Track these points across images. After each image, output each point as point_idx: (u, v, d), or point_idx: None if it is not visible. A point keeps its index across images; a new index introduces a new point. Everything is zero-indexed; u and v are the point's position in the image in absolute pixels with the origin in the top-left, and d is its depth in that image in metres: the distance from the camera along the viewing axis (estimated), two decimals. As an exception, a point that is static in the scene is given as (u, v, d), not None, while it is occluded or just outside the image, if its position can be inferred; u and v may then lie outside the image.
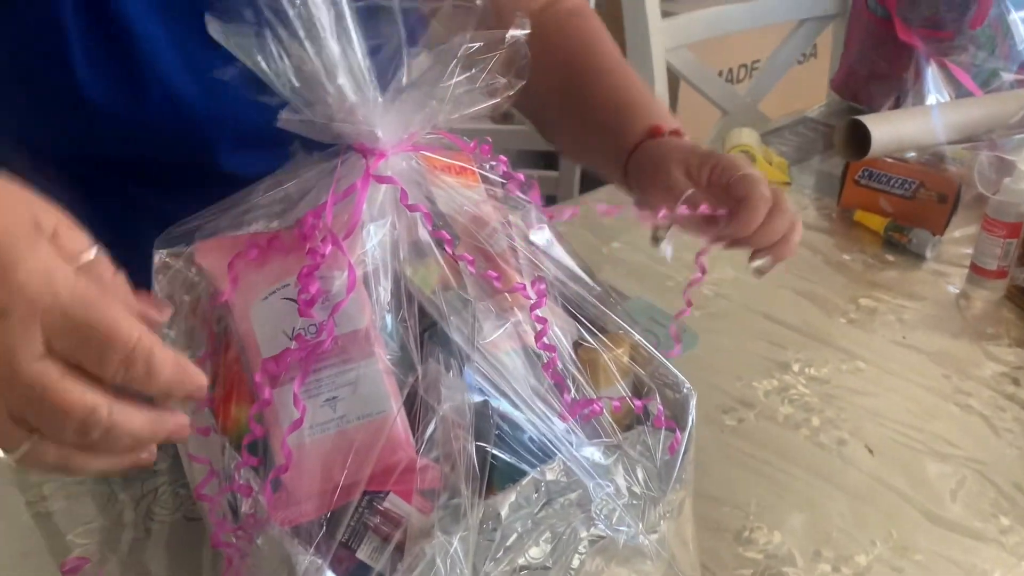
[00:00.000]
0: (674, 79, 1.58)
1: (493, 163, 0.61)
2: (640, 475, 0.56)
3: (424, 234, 0.53)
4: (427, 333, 0.51)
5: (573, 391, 0.54)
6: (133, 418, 0.39)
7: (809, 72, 2.56)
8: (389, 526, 0.51)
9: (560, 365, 0.54)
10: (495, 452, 0.52)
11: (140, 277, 0.46)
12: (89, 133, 0.70)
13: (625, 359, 0.60)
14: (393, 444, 0.47)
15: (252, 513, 0.48)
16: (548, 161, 1.71)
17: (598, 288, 0.61)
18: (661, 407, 0.55)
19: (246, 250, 0.48)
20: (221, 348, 0.50)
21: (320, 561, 0.45)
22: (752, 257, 0.70)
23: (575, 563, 0.57)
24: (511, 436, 0.53)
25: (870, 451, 0.76)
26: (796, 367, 0.85)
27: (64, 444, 0.39)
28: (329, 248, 0.47)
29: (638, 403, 0.54)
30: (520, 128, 1.71)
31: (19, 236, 0.38)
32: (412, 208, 0.48)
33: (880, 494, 0.72)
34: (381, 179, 0.48)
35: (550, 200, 1.48)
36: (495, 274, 0.51)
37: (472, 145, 0.58)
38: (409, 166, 0.52)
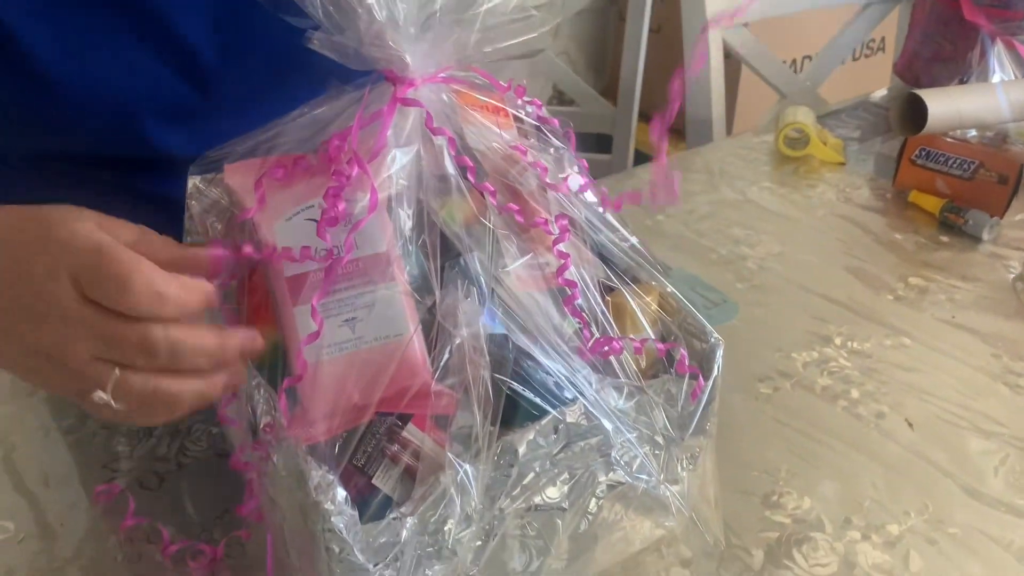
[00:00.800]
0: (735, 63, 1.56)
1: (529, 107, 0.61)
2: (661, 423, 0.55)
3: (451, 167, 0.53)
4: (449, 264, 0.51)
5: (596, 333, 0.53)
6: (195, 333, 0.44)
7: (875, 65, 2.51)
8: (406, 455, 0.51)
9: (583, 304, 0.54)
10: (518, 391, 0.51)
11: None
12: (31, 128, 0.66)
13: (654, 307, 0.60)
14: (409, 367, 0.47)
15: (269, 429, 0.48)
16: (602, 144, 1.70)
17: (632, 239, 0.61)
18: (685, 353, 0.54)
19: (272, 170, 0.48)
20: (248, 271, 0.51)
21: (332, 477, 0.46)
22: None
23: (592, 507, 0.56)
24: (531, 374, 0.53)
25: (910, 425, 0.74)
26: (838, 340, 0.83)
27: (143, 370, 0.43)
28: (355, 171, 0.47)
29: (660, 346, 0.54)
30: (575, 110, 1.70)
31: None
32: (437, 132, 0.48)
33: (917, 467, 0.70)
34: (407, 102, 0.48)
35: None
36: (517, 207, 0.51)
37: (507, 86, 0.58)
38: (439, 98, 0.52)
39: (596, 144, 1.81)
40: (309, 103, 0.52)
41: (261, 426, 0.48)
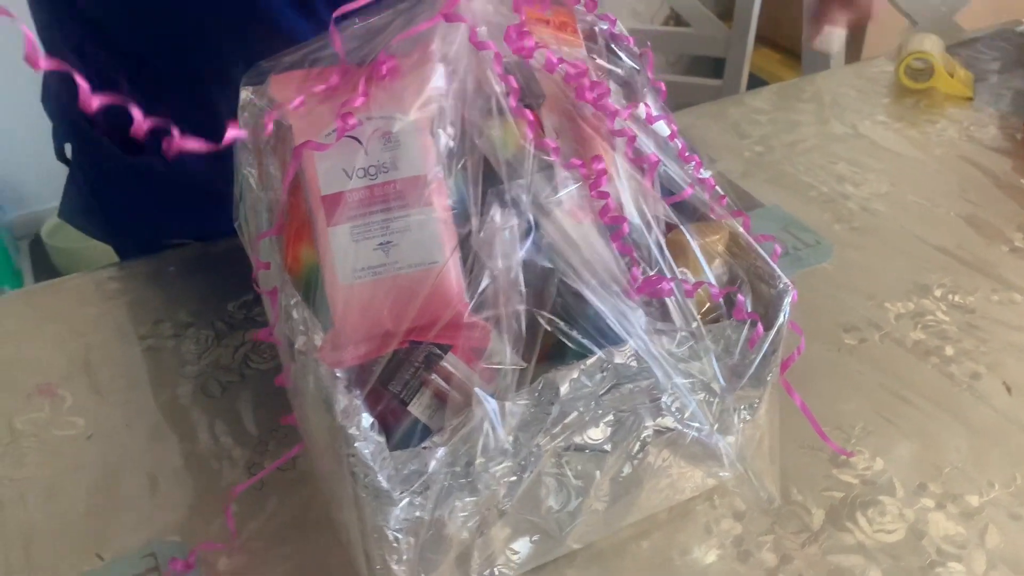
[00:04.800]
0: None
1: (602, 24, 0.57)
2: (717, 370, 0.52)
3: (497, 86, 0.49)
4: (492, 191, 0.48)
5: (650, 272, 0.50)
6: None
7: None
8: (445, 385, 0.50)
9: (638, 240, 0.51)
10: (561, 328, 0.49)
11: None
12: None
13: (720, 247, 0.56)
14: (443, 296, 0.46)
15: (304, 350, 0.47)
16: (716, 69, 1.62)
17: (706, 174, 0.57)
18: (743, 297, 0.50)
19: (316, 83, 0.47)
20: (292, 188, 0.49)
21: (359, 402, 0.45)
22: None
23: (637, 451, 0.54)
24: (579, 312, 0.50)
25: (1008, 389, 0.68)
26: (938, 292, 0.77)
27: None
28: (395, 86, 0.45)
29: (714, 289, 0.50)
30: (687, 31, 1.62)
31: None
32: (481, 46, 0.45)
33: (1011, 435, 0.64)
34: (451, 17, 0.45)
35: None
36: (570, 135, 0.48)
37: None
38: (496, 10, 0.48)
39: (709, 68, 1.73)
40: (361, 13, 0.50)
41: (296, 346, 0.48)
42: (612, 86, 0.56)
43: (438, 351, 0.49)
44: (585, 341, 0.50)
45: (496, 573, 0.55)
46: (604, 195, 0.47)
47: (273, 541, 0.58)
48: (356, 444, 0.44)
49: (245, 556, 0.58)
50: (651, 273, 0.49)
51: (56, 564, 0.57)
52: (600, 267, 0.49)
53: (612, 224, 0.47)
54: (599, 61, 0.56)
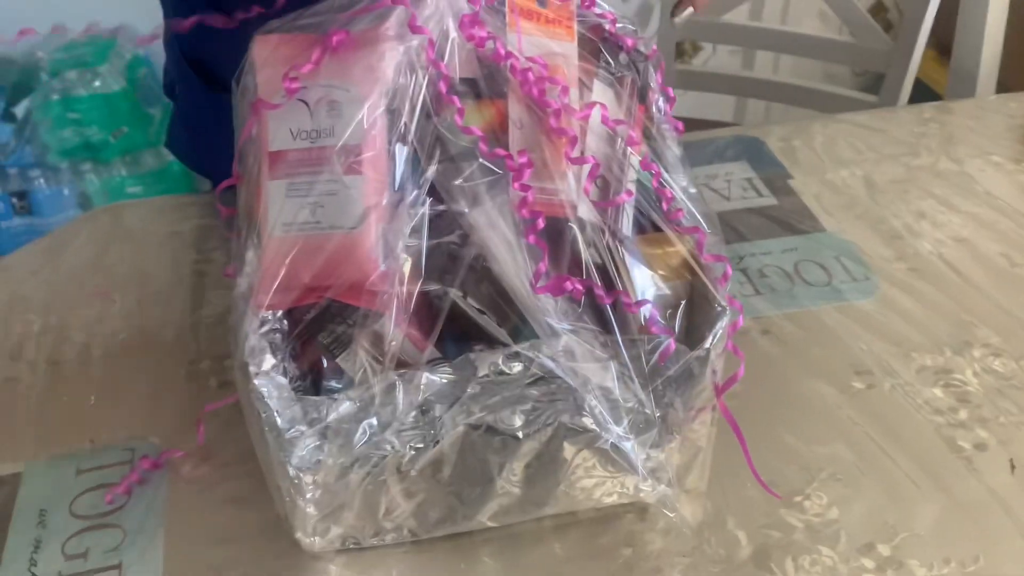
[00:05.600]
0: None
1: (602, 18, 0.57)
2: (635, 382, 0.52)
3: (472, 70, 0.51)
4: (432, 170, 0.50)
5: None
6: None
7: None
8: (374, 346, 0.53)
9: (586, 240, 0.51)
10: (477, 316, 0.51)
11: None
12: None
13: (674, 261, 0.55)
14: (358, 261, 0.48)
15: (242, 293, 0.52)
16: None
17: (676, 188, 0.56)
18: (655, 311, 0.49)
19: (287, 47, 0.50)
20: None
21: (266, 343, 0.49)
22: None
23: (553, 444, 0.55)
24: (498, 302, 0.52)
25: (1012, 467, 0.62)
26: (978, 352, 0.71)
27: None
28: (349, 58, 0.48)
29: (600, 293, 0.49)
30: (848, 41, 1.53)
31: None
32: (417, 30, 0.47)
33: (992, 514, 0.59)
34: (415, 29, 0.47)
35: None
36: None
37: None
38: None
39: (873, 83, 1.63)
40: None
41: (238, 288, 0.52)
42: (598, 86, 0.56)
43: (375, 313, 0.52)
44: (502, 329, 0.52)
45: (405, 530, 0.57)
46: (526, 188, 0.48)
47: (237, 458, 0.63)
48: (256, 381, 0.48)
49: (208, 467, 0.63)
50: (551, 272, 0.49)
51: (58, 441, 0.65)
52: (522, 261, 0.50)
53: (528, 219, 0.48)
54: (592, 60, 0.56)
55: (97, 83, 1.82)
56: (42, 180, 1.88)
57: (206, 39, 0.64)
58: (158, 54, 0.99)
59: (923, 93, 1.80)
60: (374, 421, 0.51)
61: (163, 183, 1.94)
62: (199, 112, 0.88)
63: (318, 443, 0.51)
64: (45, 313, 0.76)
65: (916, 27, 1.40)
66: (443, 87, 0.48)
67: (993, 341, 0.72)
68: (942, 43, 1.77)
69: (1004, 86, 1.29)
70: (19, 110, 1.83)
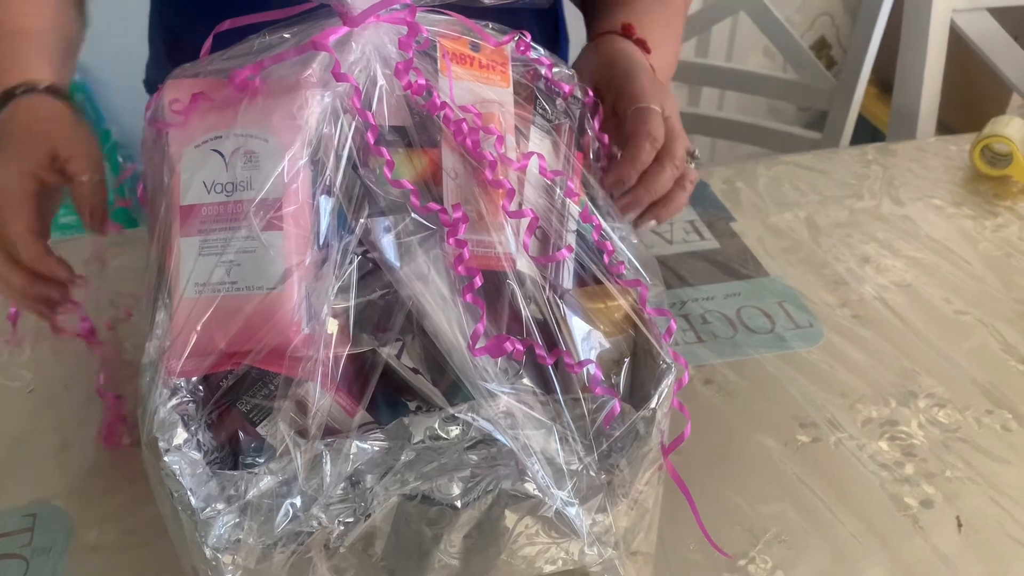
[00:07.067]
0: (963, 51, 1.31)
1: (538, 64, 0.55)
2: (579, 444, 0.49)
3: (403, 118, 0.48)
4: (359, 225, 0.47)
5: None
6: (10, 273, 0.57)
7: None
8: (299, 414, 0.49)
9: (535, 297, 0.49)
10: (411, 378, 0.48)
11: None
12: None
13: (617, 315, 0.53)
14: (277, 323, 0.45)
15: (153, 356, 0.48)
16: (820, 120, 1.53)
17: (614, 237, 0.54)
18: (598, 371, 0.47)
19: (197, 94, 0.47)
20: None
21: (177, 416, 0.45)
22: (639, 217, 0.59)
23: (493, 513, 0.52)
24: (441, 359, 0.49)
25: (959, 525, 0.61)
26: (923, 403, 0.70)
27: None
28: (268, 105, 0.45)
29: (540, 352, 0.47)
30: (791, 78, 1.54)
31: None
32: (341, 78, 0.44)
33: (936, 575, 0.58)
34: (319, 45, 0.44)
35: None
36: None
37: (505, 39, 0.52)
38: (388, 41, 0.47)
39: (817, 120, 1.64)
40: (271, 28, 0.50)
41: (148, 352, 0.48)
42: (535, 134, 0.54)
43: (296, 379, 0.49)
44: (436, 390, 0.49)
45: (333, 609, 0.54)
46: (461, 244, 0.45)
47: (147, 525, 0.59)
48: (166, 459, 0.45)
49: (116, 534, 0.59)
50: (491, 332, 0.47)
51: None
52: (455, 321, 0.47)
53: (464, 276, 0.45)
54: (528, 107, 0.54)
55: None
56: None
57: None
58: (96, 81, 0.95)
59: (866, 129, 1.82)
60: (298, 498, 0.47)
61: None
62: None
63: (237, 521, 0.47)
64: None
65: (858, 65, 1.42)
66: (371, 137, 0.45)
67: (937, 391, 0.71)
68: (884, 81, 1.80)
69: (944, 125, 1.30)
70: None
